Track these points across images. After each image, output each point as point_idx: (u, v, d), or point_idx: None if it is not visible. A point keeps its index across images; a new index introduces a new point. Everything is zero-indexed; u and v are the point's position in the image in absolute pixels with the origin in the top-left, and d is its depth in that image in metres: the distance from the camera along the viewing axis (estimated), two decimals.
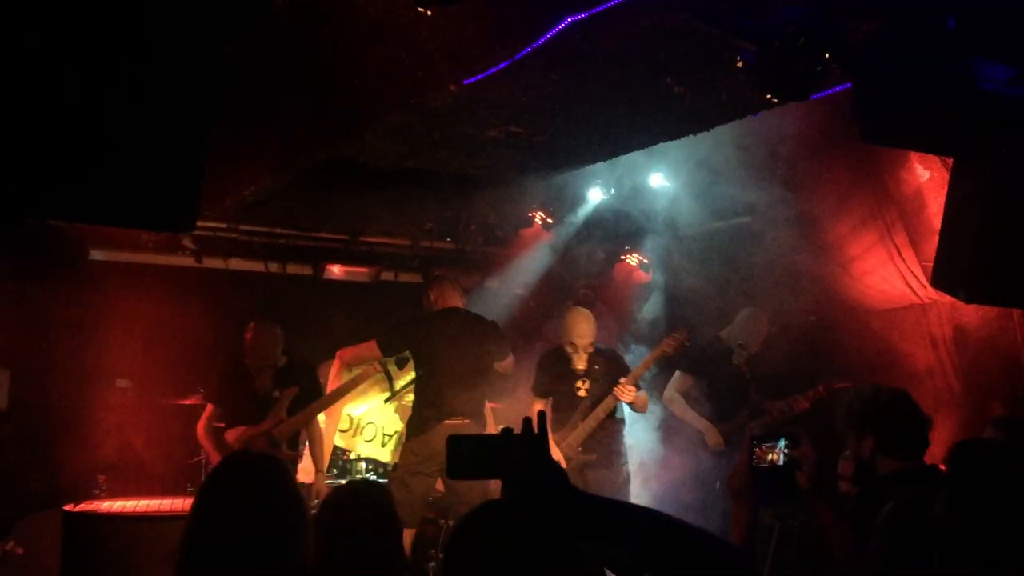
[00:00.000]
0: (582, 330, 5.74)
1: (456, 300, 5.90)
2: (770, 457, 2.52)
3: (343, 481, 6.40)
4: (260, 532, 2.19)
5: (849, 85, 3.25)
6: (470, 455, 1.71)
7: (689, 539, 1.67)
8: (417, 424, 5.57)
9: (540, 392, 5.97)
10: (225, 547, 2.18)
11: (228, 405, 5.85)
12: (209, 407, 5.95)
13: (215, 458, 5.71)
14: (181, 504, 4.72)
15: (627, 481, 6.00)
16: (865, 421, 3.21)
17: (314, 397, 5.71)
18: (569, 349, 5.73)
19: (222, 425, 5.80)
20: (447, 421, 5.48)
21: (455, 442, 1.72)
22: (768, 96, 3.10)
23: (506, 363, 5.87)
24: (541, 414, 1.73)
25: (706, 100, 4.33)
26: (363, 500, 2.86)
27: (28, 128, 2.57)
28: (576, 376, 5.80)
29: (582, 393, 5.82)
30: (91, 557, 4.10)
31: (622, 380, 5.68)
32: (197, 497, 2.34)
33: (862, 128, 2.99)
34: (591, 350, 5.77)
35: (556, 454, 5.74)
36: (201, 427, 5.92)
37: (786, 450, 2.54)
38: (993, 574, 2.07)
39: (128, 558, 3.96)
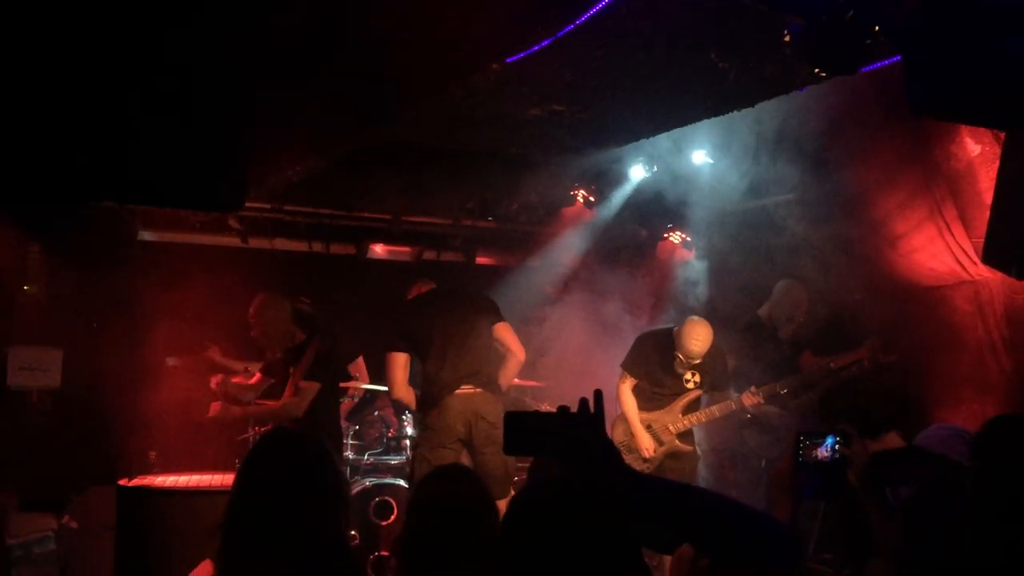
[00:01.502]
0: (698, 350, 5.67)
1: (430, 286, 6.10)
2: (817, 454, 2.51)
3: (390, 459, 6.49)
4: (299, 506, 2.23)
5: (898, 58, 3.19)
6: (526, 432, 1.73)
7: (742, 521, 1.67)
8: (430, 400, 5.59)
9: (636, 372, 5.92)
10: (265, 521, 2.21)
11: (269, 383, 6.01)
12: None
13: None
14: (232, 479, 4.81)
15: (699, 462, 6.06)
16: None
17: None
18: (682, 355, 5.69)
19: None
20: (458, 391, 5.49)
21: (512, 419, 1.73)
22: (815, 70, 3.06)
23: (501, 328, 5.76)
24: (598, 394, 1.73)
25: (751, 76, 4.29)
26: (455, 483, 2.86)
27: (83, 116, 2.63)
28: (685, 365, 5.79)
29: (691, 384, 5.84)
30: (145, 530, 4.20)
31: (752, 389, 5.72)
32: (238, 473, 2.38)
33: (912, 102, 2.94)
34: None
35: (644, 435, 5.76)
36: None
37: (836, 447, 2.54)
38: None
39: (181, 531, 4.05)
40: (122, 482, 4.56)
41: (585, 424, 1.70)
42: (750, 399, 5.69)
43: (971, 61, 2.84)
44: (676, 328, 5.78)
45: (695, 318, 5.78)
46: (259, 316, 5.77)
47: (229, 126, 2.95)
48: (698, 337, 5.63)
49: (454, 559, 2.67)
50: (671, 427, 5.79)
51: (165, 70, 2.80)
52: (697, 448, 6.05)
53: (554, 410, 1.75)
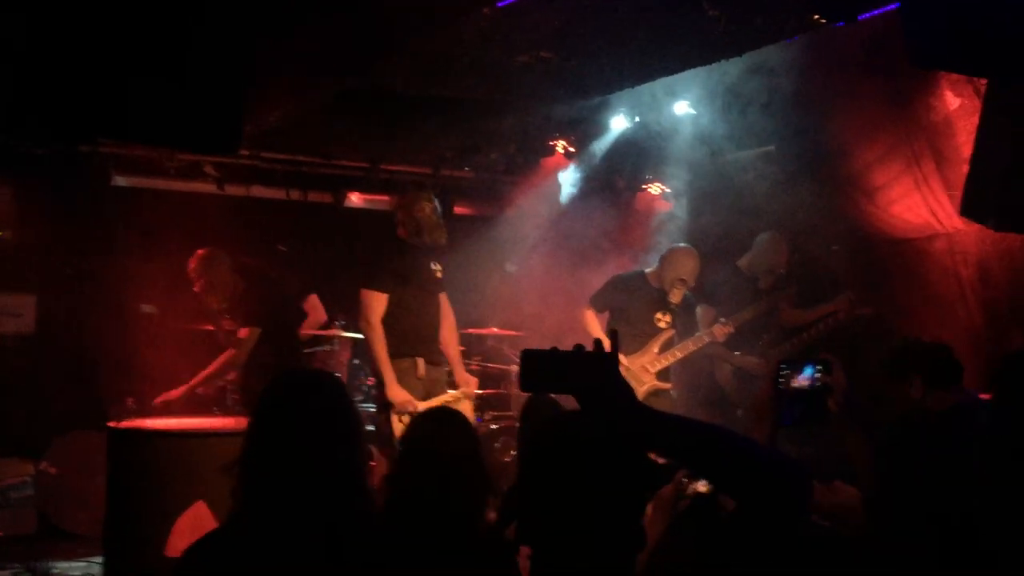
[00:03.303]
0: (694, 268, 5.79)
1: None
2: (795, 383, 2.54)
3: (369, 407, 6.51)
4: (319, 441, 2.24)
5: (895, 6, 3.21)
6: (541, 369, 1.74)
7: (759, 458, 1.72)
8: None
9: (600, 307, 6.02)
10: (285, 456, 2.22)
11: None
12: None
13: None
14: (221, 422, 4.82)
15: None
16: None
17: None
18: (677, 285, 5.76)
19: None
20: None
21: (527, 356, 1.74)
22: (816, 17, 3.08)
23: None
24: (613, 333, 1.75)
25: (741, 25, 4.30)
26: (445, 426, 2.88)
27: (87, 56, 2.59)
28: (658, 306, 5.87)
29: (662, 324, 5.90)
30: (137, 472, 4.19)
31: (722, 320, 5.82)
32: (255, 414, 2.38)
33: (908, 49, 2.97)
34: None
35: (624, 374, 5.79)
36: None
37: (817, 375, 2.56)
38: None
39: (175, 473, 4.05)
40: (111, 424, 4.54)
41: (600, 362, 1.72)
42: (721, 330, 5.79)
43: (967, 8, 2.87)
44: (665, 255, 5.90)
45: (682, 246, 5.95)
46: (200, 270, 5.80)
47: (227, 66, 2.92)
48: (694, 256, 5.81)
49: (438, 496, 2.69)
50: (649, 367, 5.86)
51: (165, 15, 2.76)
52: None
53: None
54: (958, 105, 5.29)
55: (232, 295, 5.83)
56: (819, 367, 2.56)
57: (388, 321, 5.16)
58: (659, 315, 5.91)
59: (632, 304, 5.91)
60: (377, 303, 5.11)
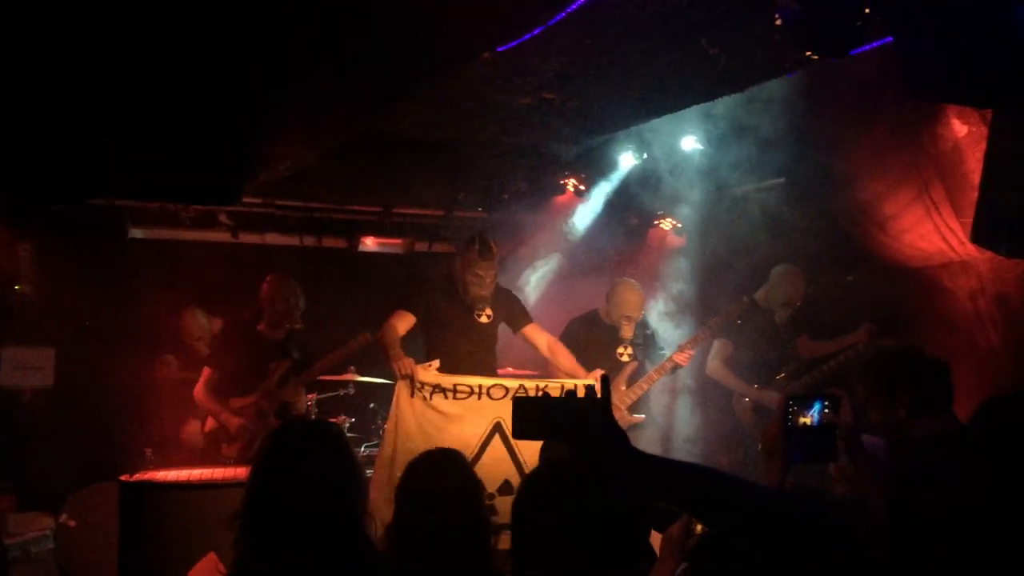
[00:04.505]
0: (637, 303, 5.86)
1: None
2: (804, 419, 2.53)
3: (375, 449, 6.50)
4: (319, 491, 2.25)
5: (888, 40, 3.22)
6: (534, 417, 1.74)
7: (752, 499, 1.70)
8: None
9: None
10: (286, 507, 2.23)
11: (224, 370, 5.91)
12: (206, 371, 6.01)
13: (224, 418, 5.82)
14: (233, 472, 4.82)
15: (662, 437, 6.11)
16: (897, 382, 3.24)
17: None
18: (623, 321, 5.83)
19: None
20: None
21: (520, 404, 1.74)
22: (807, 53, 3.08)
23: None
24: (605, 379, 1.76)
25: (741, 61, 4.33)
26: (443, 468, 2.88)
27: (91, 116, 2.64)
28: (616, 342, 5.87)
29: (625, 358, 5.90)
30: (148, 525, 4.20)
31: (681, 344, 5.78)
32: (256, 461, 2.39)
33: (906, 83, 2.97)
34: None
35: None
36: (199, 390, 6.01)
37: (825, 411, 2.55)
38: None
39: (185, 525, 4.06)
40: (124, 478, 4.55)
41: (592, 409, 1.71)
42: (681, 355, 5.73)
43: (962, 40, 2.87)
44: (608, 292, 5.97)
45: (623, 280, 6.02)
46: (272, 294, 5.76)
47: (229, 120, 2.97)
48: (635, 289, 5.89)
49: (442, 543, 2.68)
50: (619, 404, 5.80)
51: (167, 66, 2.81)
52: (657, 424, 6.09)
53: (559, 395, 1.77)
54: (966, 132, 5.26)
55: (292, 328, 5.85)
56: (827, 403, 2.55)
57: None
58: (620, 350, 5.93)
59: (592, 344, 5.93)
60: (401, 318, 5.42)
